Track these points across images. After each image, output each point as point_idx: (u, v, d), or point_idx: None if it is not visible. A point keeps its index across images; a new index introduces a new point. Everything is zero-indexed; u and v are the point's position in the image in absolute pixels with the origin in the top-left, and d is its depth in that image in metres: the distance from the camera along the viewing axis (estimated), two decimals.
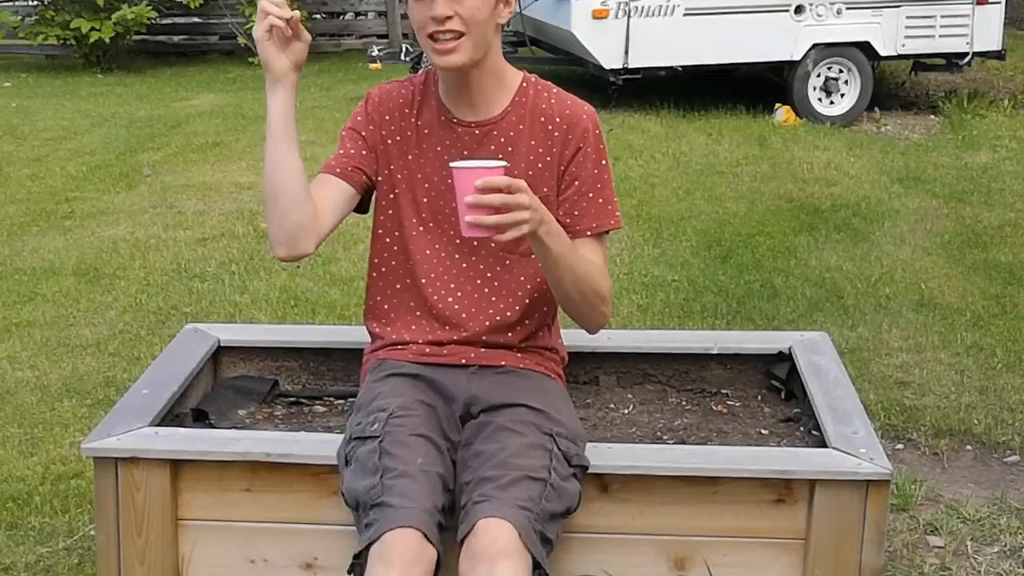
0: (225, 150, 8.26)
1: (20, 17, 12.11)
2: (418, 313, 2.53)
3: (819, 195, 6.97)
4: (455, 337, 2.51)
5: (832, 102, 9.29)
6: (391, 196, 2.52)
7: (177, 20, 12.90)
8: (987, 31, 9.39)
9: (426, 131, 2.51)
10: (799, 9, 9.09)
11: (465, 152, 2.45)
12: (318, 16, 13.11)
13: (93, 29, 11.45)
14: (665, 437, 2.71)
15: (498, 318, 2.50)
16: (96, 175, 7.52)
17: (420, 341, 2.52)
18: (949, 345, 4.69)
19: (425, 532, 2.11)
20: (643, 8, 8.94)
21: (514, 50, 10.22)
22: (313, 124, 8.98)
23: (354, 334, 3.07)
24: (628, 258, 5.79)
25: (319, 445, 2.47)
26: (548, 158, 2.46)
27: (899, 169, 7.66)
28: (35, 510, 3.41)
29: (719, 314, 5.00)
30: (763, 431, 2.73)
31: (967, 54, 9.45)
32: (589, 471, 2.36)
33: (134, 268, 5.64)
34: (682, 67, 9.21)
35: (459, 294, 2.50)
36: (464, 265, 2.50)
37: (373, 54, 10.23)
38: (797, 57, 9.15)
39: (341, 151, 2.51)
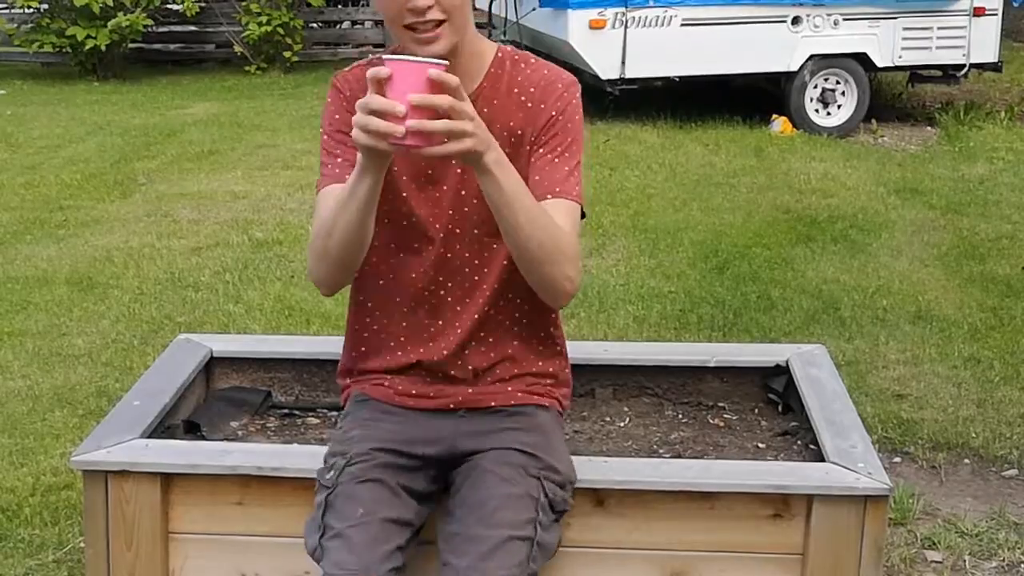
0: (220, 159, 8.24)
1: (16, 24, 12.09)
2: (404, 324, 2.34)
3: (816, 206, 6.96)
4: (444, 350, 2.31)
5: (829, 113, 9.29)
6: None
7: (173, 28, 12.90)
8: (984, 43, 9.39)
9: None
10: (796, 20, 9.09)
11: None
12: (315, 25, 13.11)
13: (89, 37, 11.44)
14: (661, 451, 2.68)
15: (487, 308, 2.30)
16: (90, 183, 7.50)
17: (401, 369, 2.35)
18: (946, 358, 4.67)
19: None
20: (640, 19, 8.93)
21: None
22: (310, 133, 8.96)
23: None
24: (624, 269, 5.77)
25: (311, 458, 2.43)
26: (520, 132, 2.23)
27: (896, 180, 7.65)
28: (24, 522, 3.39)
29: (715, 326, 4.98)
30: (760, 445, 2.71)
31: (964, 66, 9.45)
32: (585, 486, 2.33)
33: (128, 277, 5.62)
34: (679, 78, 9.20)
35: (448, 285, 2.30)
36: (449, 256, 2.29)
37: None
38: (794, 68, 9.14)
39: (330, 163, 2.25)
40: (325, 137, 2.31)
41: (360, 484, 2.17)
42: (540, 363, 2.38)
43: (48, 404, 4.19)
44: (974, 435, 3.98)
